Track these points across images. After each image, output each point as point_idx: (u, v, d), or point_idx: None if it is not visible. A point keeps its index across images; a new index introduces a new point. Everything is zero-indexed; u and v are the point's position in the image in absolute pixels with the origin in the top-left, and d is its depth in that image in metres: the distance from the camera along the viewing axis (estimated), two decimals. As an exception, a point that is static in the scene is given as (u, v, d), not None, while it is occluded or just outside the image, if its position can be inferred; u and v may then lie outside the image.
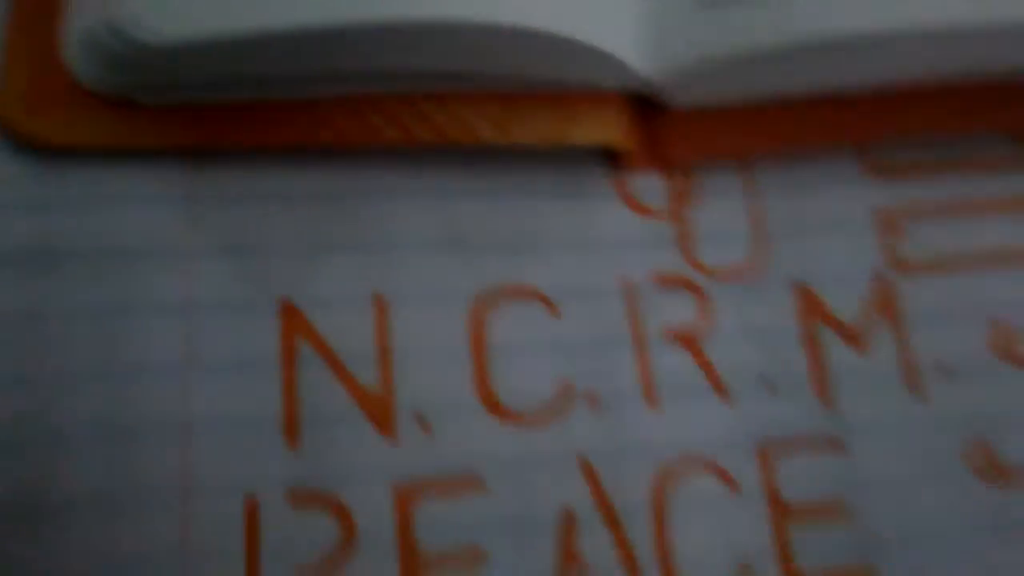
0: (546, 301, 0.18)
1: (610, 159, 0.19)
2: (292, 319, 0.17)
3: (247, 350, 0.16)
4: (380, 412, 0.17)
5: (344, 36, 0.16)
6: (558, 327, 0.18)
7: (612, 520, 0.17)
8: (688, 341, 0.18)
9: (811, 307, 0.19)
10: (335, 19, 0.16)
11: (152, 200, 0.17)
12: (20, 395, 0.15)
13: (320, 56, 0.17)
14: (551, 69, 0.18)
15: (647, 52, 0.18)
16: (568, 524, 0.17)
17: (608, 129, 0.19)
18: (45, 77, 0.17)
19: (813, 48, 0.18)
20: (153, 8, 0.16)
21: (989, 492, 0.18)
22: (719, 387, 0.18)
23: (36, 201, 0.17)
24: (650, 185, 0.20)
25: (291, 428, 0.16)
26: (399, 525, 0.16)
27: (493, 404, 0.17)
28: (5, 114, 0.17)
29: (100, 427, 0.15)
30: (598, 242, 0.19)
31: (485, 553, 0.16)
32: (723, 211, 0.20)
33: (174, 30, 0.16)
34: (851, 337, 0.19)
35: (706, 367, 0.18)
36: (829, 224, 0.20)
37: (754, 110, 0.19)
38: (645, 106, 0.19)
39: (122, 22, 0.16)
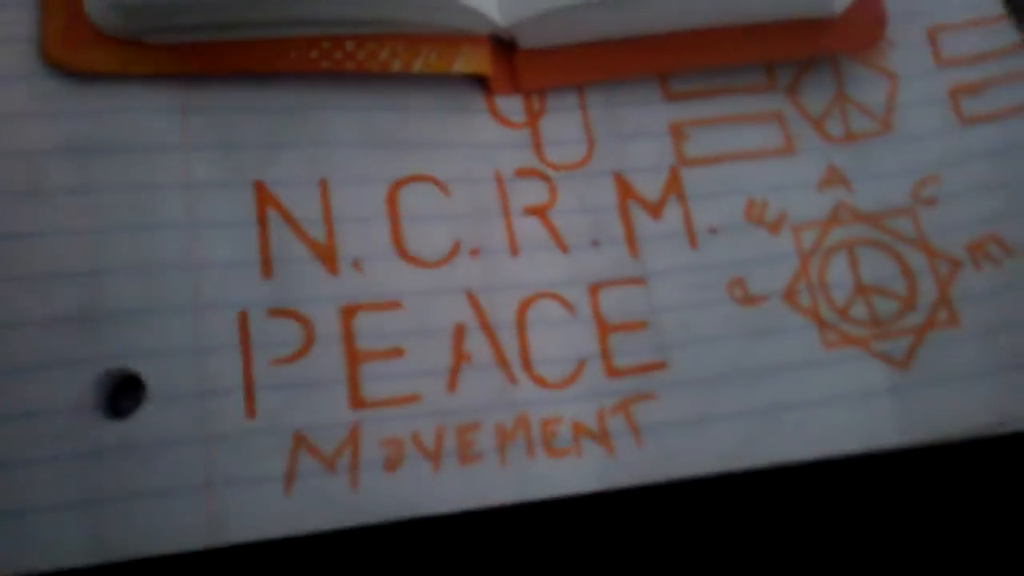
0: (440, 185, 0.26)
1: (483, 85, 0.27)
2: (263, 194, 0.24)
3: (232, 215, 0.23)
4: (327, 257, 0.24)
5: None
6: (450, 203, 0.26)
7: (489, 330, 0.25)
8: (540, 213, 0.26)
9: (625, 190, 0.27)
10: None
11: (155, 111, 0.24)
12: (76, 242, 0.22)
13: (271, 7, 0.24)
14: (439, 19, 0.25)
15: (504, 6, 0.26)
16: (459, 333, 0.25)
17: (481, 62, 0.26)
18: (73, 25, 0.23)
19: (616, 3, 0.25)
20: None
21: (741, 311, 0.26)
22: (561, 244, 0.26)
23: (72, 110, 0.23)
24: (512, 104, 0.27)
25: (266, 266, 0.23)
26: (343, 331, 0.24)
27: (405, 254, 0.25)
28: (47, 50, 0.23)
29: (133, 265, 0.22)
30: (476, 145, 0.26)
31: (402, 350, 0.24)
32: (564, 123, 0.27)
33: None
34: (651, 209, 0.27)
35: (552, 230, 0.26)
36: (638, 132, 0.27)
37: (584, 48, 0.26)
38: (506, 47, 0.27)
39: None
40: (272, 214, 0.24)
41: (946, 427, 0.25)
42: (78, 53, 0.23)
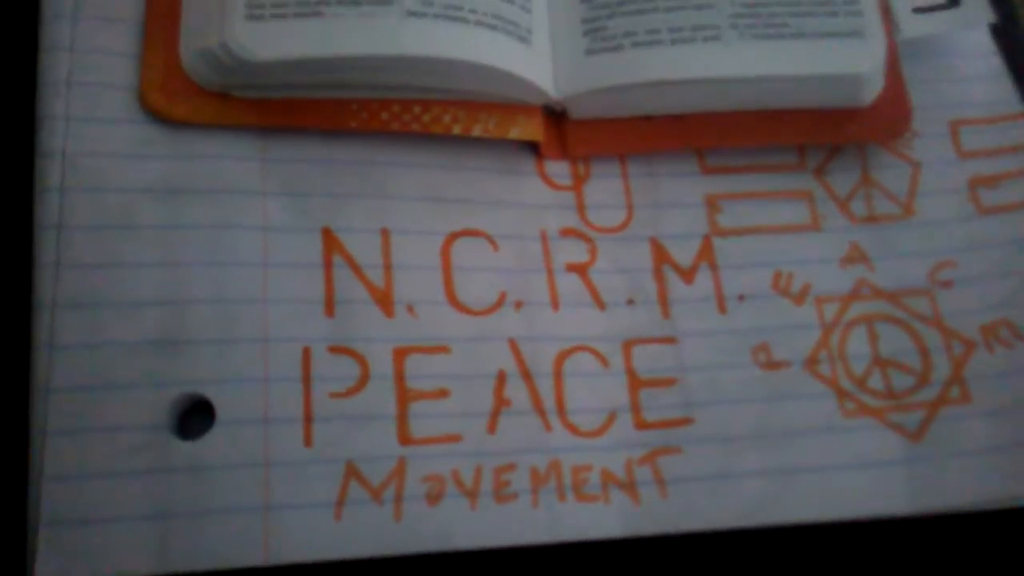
0: (490, 240, 0.28)
1: (534, 150, 0.29)
2: (330, 240, 0.26)
3: (302, 257, 0.26)
4: (385, 301, 0.26)
5: (369, 61, 0.25)
6: (498, 258, 0.27)
7: (528, 378, 0.26)
8: (580, 271, 0.28)
9: (660, 254, 0.29)
10: (363, 50, 0.25)
11: (238, 159, 0.26)
12: (161, 274, 0.24)
13: (351, 73, 0.26)
14: (500, 90, 0.27)
15: (558, 82, 0.28)
16: (501, 379, 0.26)
17: (534, 130, 0.28)
18: (171, 76, 0.26)
19: (659, 86, 0.28)
20: (252, 37, 0.25)
21: (765, 375, 0.28)
22: (599, 301, 0.28)
23: (164, 154, 0.25)
24: (559, 169, 0.29)
25: (329, 306, 0.25)
26: (396, 370, 0.25)
27: (456, 302, 0.27)
28: (146, 98, 0.25)
29: (211, 297, 0.24)
30: (525, 205, 0.28)
31: (448, 392, 0.26)
32: (606, 189, 0.29)
33: (266, 53, 0.25)
34: (684, 274, 0.29)
35: (591, 288, 0.28)
36: (675, 202, 0.29)
37: (629, 122, 0.29)
38: (557, 116, 0.29)
39: (232, 46, 0.25)
40: (337, 258, 0.26)
41: (956, 498, 0.27)
42: (173, 102, 0.26)
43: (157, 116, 0.25)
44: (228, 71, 0.25)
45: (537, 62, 0.27)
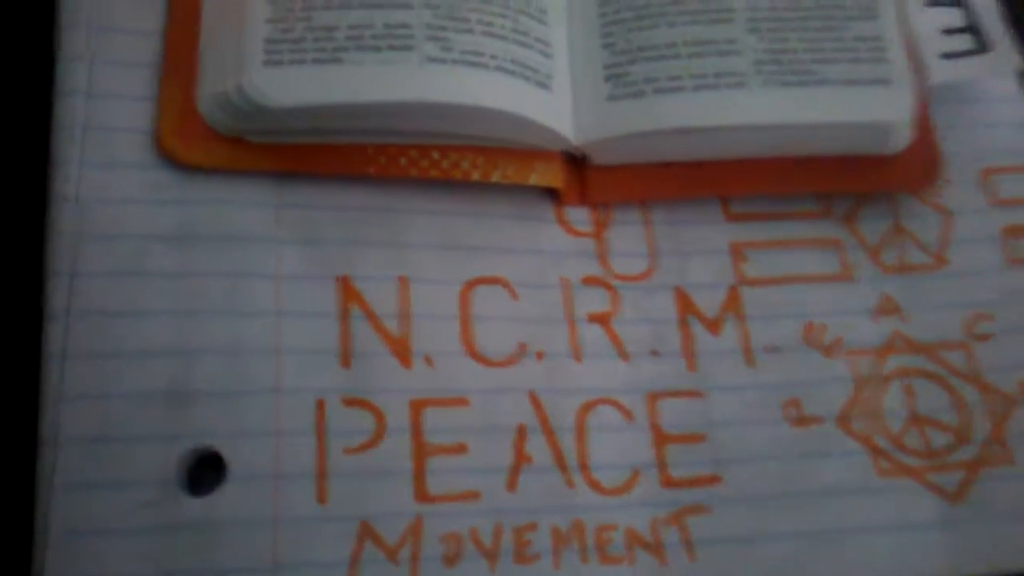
0: (510, 289, 0.27)
1: (553, 196, 0.28)
2: (346, 288, 0.25)
3: (317, 306, 0.25)
4: (402, 351, 0.25)
5: (388, 107, 0.25)
6: (518, 307, 0.27)
7: (549, 432, 0.26)
8: (603, 321, 0.27)
9: (685, 304, 0.28)
10: (382, 97, 0.25)
11: (253, 205, 0.25)
12: (171, 323, 0.23)
13: (369, 119, 0.26)
14: (519, 136, 0.27)
15: (579, 128, 0.27)
16: (521, 433, 0.25)
17: (553, 176, 0.27)
18: (186, 121, 0.25)
19: (682, 133, 0.27)
20: (270, 83, 0.24)
21: (796, 431, 0.27)
22: (622, 352, 0.27)
23: (178, 198, 0.25)
24: (580, 215, 0.28)
25: (345, 356, 0.25)
26: (412, 424, 0.24)
27: (474, 352, 0.26)
28: (162, 142, 0.25)
29: (223, 348, 0.24)
30: (545, 252, 0.27)
31: (466, 447, 0.25)
32: (628, 236, 0.28)
33: (284, 99, 0.24)
34: (710, 325, 0.28)
35: (614, 338, 0.27)
36: (699, 250, 0.28)
37: (650, 168, 0.28)
38: (577, 162, 0.28)
39: (249, 91, 0.24)
40: (353, 307, 0.25)
41: (998, 563, 0.25)
42: (188, 146, 0.25)
43: (172, 161, 0.25)
44: (245, 116, 0.25)
45: (557, 108, 0.27)
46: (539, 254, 0.27)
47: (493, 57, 0.26)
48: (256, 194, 0.26)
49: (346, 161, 0.26)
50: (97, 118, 0.25)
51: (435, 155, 0.27)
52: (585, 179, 0.28)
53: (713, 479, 0.26)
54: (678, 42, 0.28)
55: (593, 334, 0.27)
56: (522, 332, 0.26)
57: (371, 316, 0.25)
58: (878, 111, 0.27)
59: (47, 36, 0.26)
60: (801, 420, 0.27)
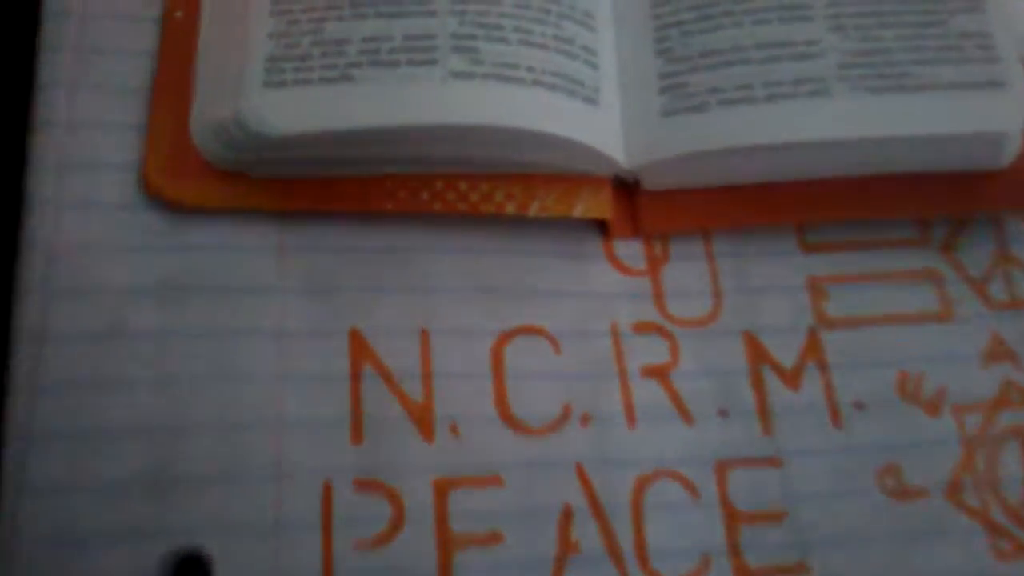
0: (551, 339, 0.23)
1: (600, 228, 0.24)
2: (358, 345, 0.22)
3: (324, 368, 0.21)
4: (423, 419, 0.21)
5: (408, 132, 0.21)
6: (560, 361, 0.23)
7: (600, 514, 0.22)
8: (660, 375, 0.23)
9: (757, 352, 0.24)
10: (401, 120, 0.21)
11: (252, 249, 0.22)
12: (155, 394, 0.20)
13: (387, 146, 0.22)
14: (562, 161, 0.23)
15: (630, 148, 0.24)
16: (566, 516, 0.21)
17: (602, 206, 0.24)
18: (178, 154, 0.22)
19: (753, 151, 0.23)
20: (272, 108, 0.21)
21: (895, 506, 0.23)
22: (684, 413, 0.23)
23: (165, 245, 0.22)
24: (631, 250, 0.25)
25: (356, 429, 0.21)
26: (436, 510, 0.21)
27: (509, 418, 0.22)
28: (151, 181, 0.22)
29: (215, 422, 0.20)
30: (592, 294, 0.24)
31: (501, 536, 0.21)
32: (688, 272, 0.25)
33: (288, 126, 0.21)
34: (787, 377, 0.24)
35: (674, 397, 0.23)
36: (771, 286, 0.25)
37: (711, 192, 0.24)
38: (627, 187, 0.25)
39: (248, 118, 0.21)
40: (366, 368, 0.22)
41: None
42: (180, 184, 0.22)
43: (161, 201, 0.22)
44: (243, 147, 0.21)
45: (605, 126, 0.23)
46: (585, 297, 0.24)
47: (531, 69, 0.22)
48: (257, 237, 0.22)
49: (360, 196, 0.23)
50: (77, 152, 0.22)
51: (463, 186, 0.23)
52: (637, 207, 0.25)
53: (798, 567, 0.22)
54: (747, 45, 0.24)
55: (649, 392, 0.23)
56: (566, 391, 0.23)
57: (387, 377, 0.22)
58: (990, 119, 0.23)
59: (25, 61, 0.23)
60: (901, 492, 0.23)
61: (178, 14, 0.23)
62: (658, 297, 0.24)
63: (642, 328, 0.24)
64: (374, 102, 0.21)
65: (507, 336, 0.23)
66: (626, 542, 0.21)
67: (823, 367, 0.24)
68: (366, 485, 0.21)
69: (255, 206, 0.22)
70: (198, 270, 0.21)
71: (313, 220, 0.23)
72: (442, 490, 0.21)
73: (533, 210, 0.23)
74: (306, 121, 0.21)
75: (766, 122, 0.23)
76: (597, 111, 0.23)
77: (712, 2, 0.25)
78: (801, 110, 0.23)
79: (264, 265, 0.22)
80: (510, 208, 0.23)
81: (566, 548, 0.21)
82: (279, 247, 0.22)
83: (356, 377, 0.21)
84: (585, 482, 0.22)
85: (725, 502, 0.22)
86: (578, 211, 0.24)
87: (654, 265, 0.25)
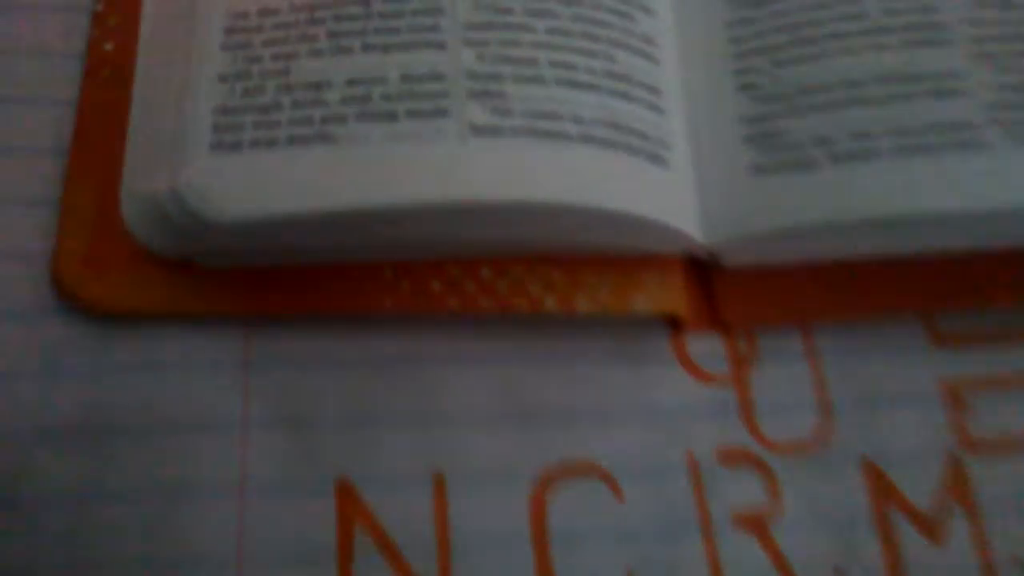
0: (609, 481, 0.17)
1: (667, 318, 0.19)
2: (348, 501, 0.16)
3: (302, 540, 0.16)
4: (438, 611, 0.16)
5: (410, 212, 0.16)
6: (622, 511, 0.17)
7: None
8: (756, 525, 0.18)
9: (882, 489, 0.18)
10: (401, 199, 0.16)
11: (208, 367, 0.17)
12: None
13: (383, 229, 0.16)
14: (618, 239, 0.18)
15: (708, 218, 0.18)
16: None
17: (671, 297, 0.19)
18: (103, 237, 0.17)
19: (878, 224, 0.18)
20: (218, 182, 0.15)
21: None
22: (789, 577, 0.17)
23: (92, 370, 0.16)
24: (710, 348, 0.19)
25: (345, 631, 0.15)
26: None
27: (556, 598, 0.16)
28: (63, 277, 0.16)
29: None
30: (660, 412, 0.18)
31: None
32: (785, 377, 0.19)
33: (240, 208, 0.15)
34: (926, 526, 0.18)
35: (776, 557, 0.17)
36: (895, 395, 0.19)
37: (813, 270, 0.19)
38: (701, 265, 0.19)
39: (187, 195, 0.15)
40: (359, 534, 0.16)
41: None
42: (106, 281, 0.17)
43: (79, 304, 0.17)
44: (187, 233, 0.16)
45: (677, 191, 0.18)
46: (650, 416, 0.18)
47: (577, 120, 0.17)
48: (212, 350, 0.17)
49: (349, 292, 0.17)
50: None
51: (486, 274, 0.18)
52: (717, 291, 0.20)
53: None
54: (864, 78, 0.19)
55: (741, 551, 0.18)
56: (630, 554, 0.17)
57: (387, 546, 0.16)
58: None
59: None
60: None
61: (107, 46, 0.18)
62: (747, 413, 0.19)
63: (729, 458, 0.18)
64: (363, 172, 0.16)
65: (550, 478, 0.17)
66: None
67: (971, 509, 0.18)
68: None
69: (208, 310, 0.17)
70: (130, 401, 0.16)
71: (287, 326, 0.17)
72: None
73: (581, 305, 0.18)
74: (268, 200, 0.15)
75: (899, 185, 0.18)
76: (666, 172, 0.18)
77: (812, 20, 0.19)
78: (946, 168, 0.17)
79: (222, 390, 0.17)
80: (550, 303, 0.18)
81: None
82: (242, 365, 0.17)
83: (345, 550, 0.16)
84: None
85: None
86: (641, 305, 0.18)
87: (740, 368, 0.19)
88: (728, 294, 0.19)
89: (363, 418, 0.17)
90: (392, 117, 0.16)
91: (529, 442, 0.17)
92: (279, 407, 0.17)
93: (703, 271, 0.19)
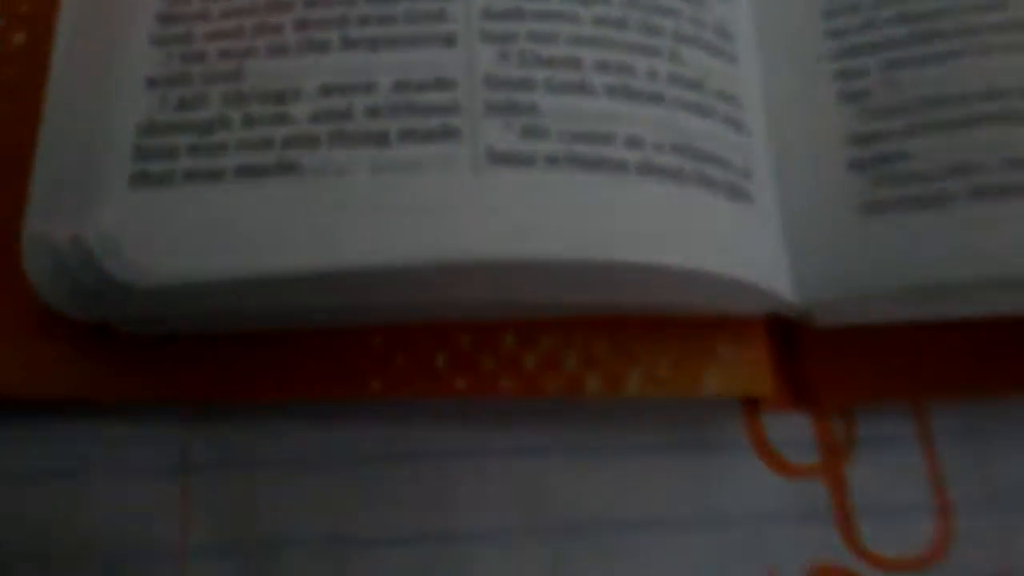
0: (669, 617, 0.14)
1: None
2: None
3: None
4: None
5: (405, 274, 0.12)
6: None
7: None
8: (861, 677, 0.14)
9: None
10: (394, 259, 0.12)
11: (134, 472, 0.14)
12: None
13: (368, 292, 0.13)
14: (680, 299, 0.15)
15: (800, 271, 0.15)
16: None
17: (752, 372, 0.16)
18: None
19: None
20: (137, 229, 0.12)
21: None
22: None
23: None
24: (794, 431, 0.17)
25: None
26: None
27: None
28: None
29: None
30: (731, 516, 0.16)
31: None
32: (892, 469, 0.16)
33: (164, 267, 0.11)
34: None
35: None
36: None
37: (931, 330, 0.16)
38: (783, 326, 0.16)
39: (95, 246, 0.11)
40: None
41: None
42: (6, 356, 0.13)
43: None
44: (101, 293, 0.12)
45: (762, 236, 0.15)
46: (720, 523, 0.16)
47: (635, 143, 0.14)
48: (140, 450, 0.14)
49: (324, 370, 0.14)
50: None
51: (509, 341, 0.15)
52: (804, 357, 0.16)
53: None
54: (1009, 87, 0.15)
55: None
56: None
57: None
58: None
59: None
60: None
61: (18, 37, 0.15)
62: (844, 515, 0.16)
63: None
64: (340, 217, 0.12)
65: (587, 618, 0.14)
66: None
67: None
68: None
69: (135, 394, 0.14)
70: (29, 526, 0.13)
71: (241, 414, 0.14)
72: None
73: (632, 386, 0.15)
74: (207, 257, 0.12)
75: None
76: (751, 210, 0.14)
77: (937, 10, 0.16)
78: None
79: (151, 500, 0.14)
80: (593, 385, 0.15)
81: None
82: (180, 469, 0.13)
83: None
84: None
85: None
86: (713, 385, 0.15)
87: (834, 458, 0.16)
88: (820, 362, 0.16)
89: (342, 540, 0.14)
90: (381, 140, 0.13)
91: (563, 565, 0.14)
92: (228, 526, 0.13)
93: (786, 332, 0.16)
